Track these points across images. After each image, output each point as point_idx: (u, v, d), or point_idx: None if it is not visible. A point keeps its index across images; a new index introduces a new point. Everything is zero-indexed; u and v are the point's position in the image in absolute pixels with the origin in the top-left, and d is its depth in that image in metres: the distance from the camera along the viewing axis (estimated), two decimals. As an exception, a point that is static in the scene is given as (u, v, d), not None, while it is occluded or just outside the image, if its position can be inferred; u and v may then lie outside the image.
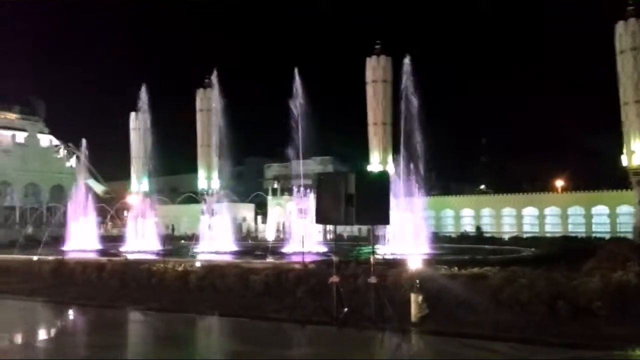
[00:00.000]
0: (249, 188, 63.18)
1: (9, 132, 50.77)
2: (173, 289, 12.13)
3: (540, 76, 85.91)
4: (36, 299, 12.28)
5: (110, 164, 61.28)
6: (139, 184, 52.55)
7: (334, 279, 8.60)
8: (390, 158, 45.66)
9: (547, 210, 47.73)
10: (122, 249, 25.94)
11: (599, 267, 12.68)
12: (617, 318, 8.51)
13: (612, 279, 9.65)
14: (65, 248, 26.56)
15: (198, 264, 14.94)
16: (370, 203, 8.14)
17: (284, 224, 45.34)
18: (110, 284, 12.99)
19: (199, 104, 49.76)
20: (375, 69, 45.00)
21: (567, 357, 7.19)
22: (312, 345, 7.65)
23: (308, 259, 17.80)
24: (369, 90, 45.07)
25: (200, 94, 49.90)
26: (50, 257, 15.59)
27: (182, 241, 32.93)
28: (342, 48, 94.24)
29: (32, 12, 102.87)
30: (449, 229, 48.46)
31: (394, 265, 13.52)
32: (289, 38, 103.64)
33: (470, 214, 50.37)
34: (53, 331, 9.71)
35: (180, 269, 12.89)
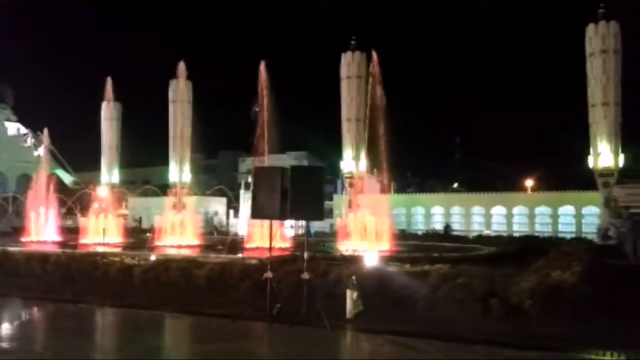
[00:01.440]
0: (222, 181, 62.77)
1: (-25, 120, 49.86)
2: (116, 282, 11.96)
3: (516, 76, 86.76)
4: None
5: (81, 155, 60.39)
6: (109, 175, 51.91)
7: (268, 274, 8.55)
8: (363, 154, 45.77)
9: (515, 210, 48.28)
10: (82, 241, 25.57)
11: (546, 266, 12.82)
12: (547, 317, 8.60)
13: (548, 279, 9.78)
14: (24, 239, 26.06)
15: (152, 258, 14.80)
16: (304, 198, 8.09)
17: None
18: (54, 277, 12.77)
19: (171, 95, 49.20)
20: (350, 64, 44.99)
21: (490, 353, 7.24)
22: (233, 340, 7.57)
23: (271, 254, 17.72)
24: (344, 86, 45.06)
25: (173, 84, 49.34)
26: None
27: (148, 234, 32.51)
28: (320, 43, 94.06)
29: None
30: (420, 226, 48.68)
31: (350, 261, 13.58)
32: (266, 32, 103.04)
33: (441, 212, 50.70)
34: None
35: (130, 262, 12.72)
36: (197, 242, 26.11)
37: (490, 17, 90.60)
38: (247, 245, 24.05)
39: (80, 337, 7.95)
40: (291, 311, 8.53)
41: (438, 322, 8.61)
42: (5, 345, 7.52)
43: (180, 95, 48.10)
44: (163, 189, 47.40)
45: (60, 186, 54.04)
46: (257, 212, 8.49)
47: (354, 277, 9.04)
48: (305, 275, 8.45)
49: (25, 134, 53.36)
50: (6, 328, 8.76)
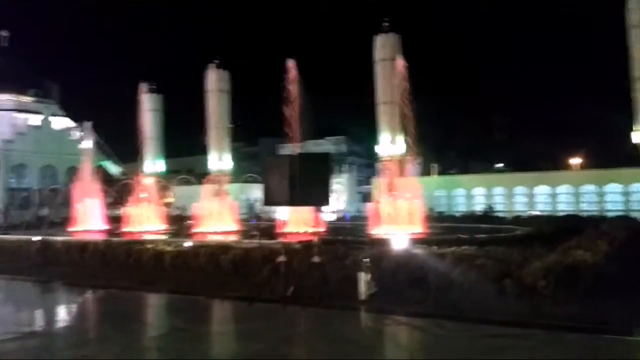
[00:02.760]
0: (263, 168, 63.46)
1: (24, 115, 51.86)
2: (148, 268, 12.50)
3: (558, 54, 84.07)
4: (18, 277, 12.84)
5: (127, 146, 62.12)
6: (154, 165, 53.34)
7: (281, 258, 8.83)
8: (399, 138, 45.52)
9: (560, 189, 47.14)
10: (125, 229, 26.51)
11: (574, 246, 12.65)
12: (562, 296, 8.59)
13: (566, 258, 9.71)
14: (72, 229, 27.21)
15: (187, 244, 15.35)
16: (311, 184, 8.30)
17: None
18: (92, 264, 13.43)
19: (209, 84, 49.95)
20: (383, 47, 44.61)
21: (502, 333, 7.32)
22: (245, 321, 7.94)
23: (302, 239, 18.16)
24: (378, 68, 44.73)
25: (211, 74, 50.04)
26: (40, 238, 16.07)
27: (189, 221, 33.38)
28: (353, 26, 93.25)
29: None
30: (461, 208, 48.07)
31: (376, 244, 13.75)
32: (300, 18, 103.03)
33: (482, 193, 49.99)
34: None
35: (161, 249, 13.24)
36: (234, 228, 26.68)
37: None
38: (283, 231, 24.47)
39: (102, 318, 8.44)
40: (307, 292, 8.82)
41: (451, 303, 8.72)
42: (38, 328, 8.07)
43: (217, 84, 48.85)
44: (204, 177, 48.47)
45: (107, 177, 56.02)
46: (269, 199, 8.77)
47: (367, 260, 9.23)
48: (316, 259, 8.70)
49: (71, 128, 55.27)
50: (43, 312, 9.35)
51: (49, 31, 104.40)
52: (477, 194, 51.11)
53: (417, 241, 15.73)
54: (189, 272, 12.01)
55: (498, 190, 50.60)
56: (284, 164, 8.45)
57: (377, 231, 22.10)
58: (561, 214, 40.29)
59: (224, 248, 12.43)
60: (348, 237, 17.67)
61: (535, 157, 63.91)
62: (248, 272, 11.11)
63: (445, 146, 73.83)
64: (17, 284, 12.54)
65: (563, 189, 47.66)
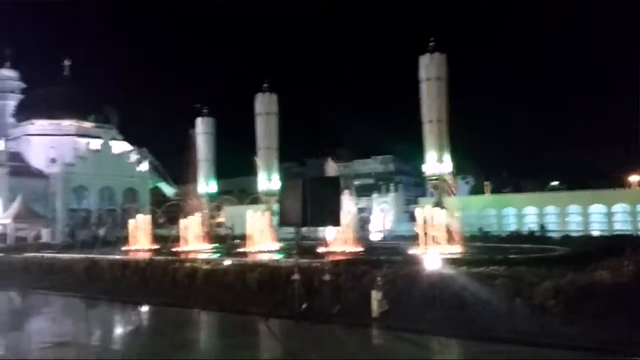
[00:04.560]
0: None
1: (85, 140, 54.74)
2: (182, 285, 13.21)
3: (616, 66, 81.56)
4: (67, 293, 13.85)
5: (181, 167, 64.37)
6: (206, 186, 55.07)
7: (295, 277, 9.30)
8: (446, 156, 45.31)
9: (616, 207, 45.60)
10: (174, 249, 27.62)
11: (604, 267, 12.55)
12: (571, 316, 8.66)
13: (581, 278, 9.74)
14: (125, 248, 28.59)
15: (227, 263, 16.08)
16: (322, 206, 8.78)
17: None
18: (132, 281, 14.29)
19: (258, 107, 51.36)
20: (428, 66, 44.73)
21: (493, 350, 7.52)
22: (256, 335, 8.47)
23: (338, 258, 18.67)
24: (423, 88, 44.83)
25: (259, 98, 51.48)
26: (88, 256, 17.17)
27: (236, 240, 34.31)
28: (399, 47, 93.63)
29: (99, 26, 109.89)
30: (512, 227, 47.18)
31: (408, 264, 14.03)
32: (346, 40, 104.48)
33: (534, 212, 48.91)
34: (47, 317, 11.05)
35: (194, 267, 13.96)
36: (276, 246, 27.34)
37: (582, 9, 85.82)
38: (321, 250, 24.94)
39: (127, 330, 9.14)
40: (322, 310, 9.25)
41: (460, 322, 8.92)
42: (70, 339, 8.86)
43: (266, 107, 50.20)
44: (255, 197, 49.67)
45: (162, 198, 58.19)
46: (284, 219, 9.29)
47: (379, 279, 9.58)
48: (327, 277, 9.12)
49: (129, 151, 57.93)
50: (78, 324, 10.16)
51: (106, 59, 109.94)
52: (529, 213, 50.06)
53: (450, 261, 15.87)
54: (219, 289, 12.63)
55: (550, 209, 49.42)
56: (298, 187, 8.97)
57: (415, 251, 22.24)
58: (617, 232, 39.06)
59: (251, 266, 13.01)
60: (382, 257, 17.96)
61: (591, 174, 62.05)
62: (272, 289, 11.62)
63: (500, 165, 72.78)
64: (65, 299, 13.51)
65: (619, 207, 46.11)
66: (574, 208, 47.62)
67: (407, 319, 9.14)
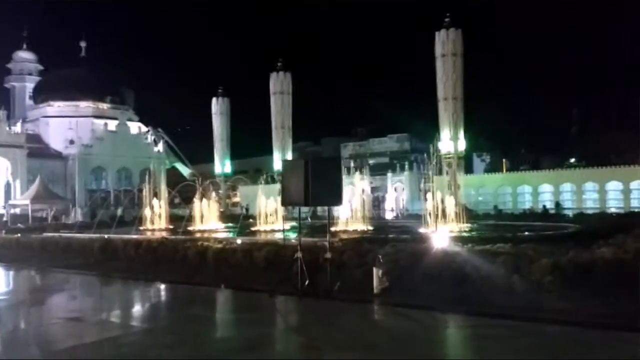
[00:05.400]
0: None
1: (102, 121, 55.46)
2: (193, 263, 13.56)
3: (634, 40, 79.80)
4: (82, 271, 14.33)
5: (198, 148, 65.04)
6: (222, 166, 55.66)
7: (298, 254, 9.56)
8: (461, 134, 45.13)
9: (633, 185, 45.19)
10: (188, 228, 28.09)
11: (611, 244, 12.61)
12: (569, 293, 8.80)
13: (581, 255, 9.85)
14: (141, 227, 29.17)
15: (238, 242, 16.43)
16: (323, 186, 8.99)
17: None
18: (145, 260, 14.68)
19: (272, 87, 51.57)
20: (444, 42, 44.40)
21: (486, 324, 7.74)
22: (261, 310, 8.82)
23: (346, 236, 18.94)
24: (438, 64, 44.58)
25: (273, 77, 51.66)
26: (102, 236, 17.63)
27: (250, 220, 34.73)
28: (415, 22, 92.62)
29: (115, 7, 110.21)
30: (527, 205, 47.07)
31: (414, 241, 14.26)
32: (361, 16, 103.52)
33: (550, 190, 48.65)
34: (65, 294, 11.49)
35: (204, 246, 14.30)
36: (287, 226, 27.66)
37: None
38: (333, 229, 25.21)
39: (138, 306, 9.52)
40: (325, 286, 9.53)
41: (457, 297, 9.12)
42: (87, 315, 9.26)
43: (280, 87, 50.40)
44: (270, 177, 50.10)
45: (179, 178, 58.92)
46: (286, 199, 9.52)
47: (380, 257, 9.80)
48: (328, 255, 9.37)
49: (145, 132, 58.61)
50: (94, 302, 10.59)
51: (122, 40, 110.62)
52: (544, 190, 49.85)
53: (458, 239, 16.04)
54: (229, 267, 12.94)
55: (566, 186, 49.12)
56: (300, 168, 9.17)
57: (424, 229, 22.41)
58: (636, 210, 38.74)
59: (259, 245, 13.30)
60: (389, 235, 18.19)
61: (609, 151, 61.27)
62: (278, 267, 11.90)
63: (518, 142, 72.07)
64: (80, 277, 13.99)
65: (636, 184, 45.73)
66: (590, 185, 47.33)
67: (407, 295, 9.36)
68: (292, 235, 22.52)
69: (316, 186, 8.95)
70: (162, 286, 11.98)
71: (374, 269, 9.59)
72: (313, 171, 8.96)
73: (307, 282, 9.40)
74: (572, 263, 9.33)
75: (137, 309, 10.01)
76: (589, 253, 10.08)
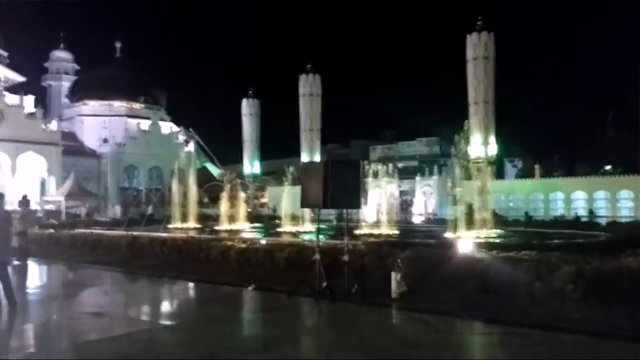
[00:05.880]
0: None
1: (135, 121, 56.44)
2: (216, 262, 13.72)
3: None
4: (109, 267, 14.64)
5: (228, 148, 65.71)
6: (251, 167, 56.05)
7: (316, 257, 9.60)
8: (492, 138, 44.51)
9: (672, 193, 43.96)
10: (215, 228, 28.39)
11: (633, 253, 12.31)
12: (591, 301, 8.63)
13: (605, 264, 9.65)
14: (171, 226, 29.58)
15: (263, 242, 16.57)
16: (343, 189, 9.00)
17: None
18: (170, 257, 14.93)
19: (302, 89, 51.72)
20: (476, 46, 43.86)
21: (501, 332, 7.65)
22: (278, 311, 8.91)
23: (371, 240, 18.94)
24: (469, 68, 44.06)
25: (302, 79, 51.82)
26: (131, 233, 17.97)
27: (277, 220, 34.91)
28: (446, 25, 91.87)
29: (149, 9, 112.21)
30: (559, 212, 46.18)
31: (437, 246, 14.17)
32: (392, 19, 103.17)
33: (582, 197, 47.65)
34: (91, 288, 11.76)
35: (228, 245, 14.45)
36: (312, 227, 27.72)
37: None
38: (358, 232, 25.20)
39: (157, 304, 9.69)
40: (341, 289, 9.56)
41: (477, 303, 9.03)
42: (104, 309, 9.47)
43: (309, 89, 50.54)
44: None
45: (209, 178, 59.61)
46: (305, 201, 9.56)
47: (399, 261, 9.77)
48: (345, 258, 9.38)
49: (177, 132, 59.46)
50: (118, 298, 10.82)
51: (156, 41, 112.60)
52: (577, 197, 48.86)
53: (483, 245, 15.85)
54: (251, 267, 13.05)
55: (600, 194, 48.07)
56: (319, 171, 9.21)
57: (450, 234, 22.19)
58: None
59: (281, 246, 13.38)
60: (414, 240, 18.05)
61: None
62: (299, 268, 11.95)
63: (551, 148, 70.84)
64: (107, 273, 14.29)
65: (676, 193, 44.45)
66: (625, 193, 46.19)
67: (425, 300, 9.30)
68: (319, 237, 22.58)
69: (335, 189, 8.97)
70: (185, 284, 12.15)
71: (392, 273, 9.56)
72: (332, 174, 8.99)
73: (324, 285, 9.42)
74: (596, 272, 9.15)
75: (156, 306, 10.20)
76: (615, 262, 9.85)
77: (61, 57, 71.54)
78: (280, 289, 10.53)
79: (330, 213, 40.79)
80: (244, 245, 14.19)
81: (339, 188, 8.96)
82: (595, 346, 7.02)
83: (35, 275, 15.07)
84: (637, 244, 14.58)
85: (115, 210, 44.31)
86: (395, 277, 9.50)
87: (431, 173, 54.58)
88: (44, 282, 14.12)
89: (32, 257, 16.73)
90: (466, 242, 15.24)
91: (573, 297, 8.78)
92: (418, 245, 13.93)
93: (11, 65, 53.68)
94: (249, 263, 13.22)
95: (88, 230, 23.47)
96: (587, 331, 7.48)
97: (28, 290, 11.74)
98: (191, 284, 12.05)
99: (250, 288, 10.88)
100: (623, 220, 34.84)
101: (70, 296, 11.35)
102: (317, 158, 50.87)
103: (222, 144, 65.09)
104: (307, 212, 29.50)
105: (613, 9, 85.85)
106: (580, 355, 6.60)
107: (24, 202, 18.21)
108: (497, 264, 10.30)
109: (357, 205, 9.55)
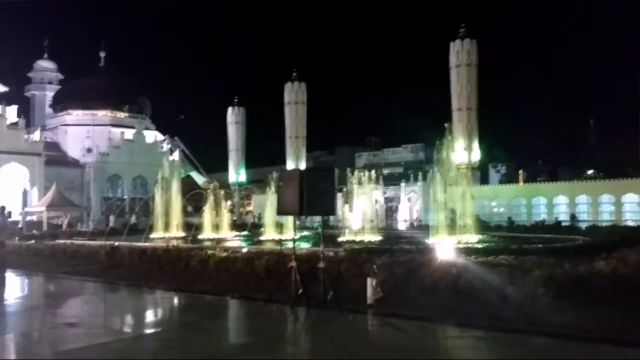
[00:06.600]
0: (340, 177, 64.67)
1: (119, 130, 56.21)
2: (195, 271, 13.72)
3: None
4: (87, 278, 14.55)
5: (213, 157, 65.60)
6: (236, 175, 56.01)
7: (292, 263, 9.65)
8: (475, 144, 44.88)
9: (651, 197, 44.60)
10: (200, 236, 28.32)
11: (615, 257, 12.49)
12: (560, 306, 8.76)
13: (577, 268, 9.80)
14: (153, 235, 29.43)
15: (244, 250, 16.59)
16: (318, 196, 9.09)
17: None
18: (149, 267, 14.89)
19: (287, 97, 51.88)
20: (459, 53, 44.38)
21: (467, 335, 7.75)
22: (253, 318, 8.94)
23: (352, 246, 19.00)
24: (453, 75, 44.55)
25: (288, 87, 51.99)
26: (109, 243, 17.90)
27: (261, 229, 34.86)
28: (429, 33, 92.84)
29: (135, 19, 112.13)
30: (542, 217, 46.62)
31: (420, 253, 14.27)
32: (376, 27, 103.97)
33: (565, 202, 48.17)
34: (63, 299, 11.69)
35: (207, 254, 14.44)
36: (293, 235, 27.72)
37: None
38: (341, 239, 25.27)
39: (133, 313, 9.68)
40: (318, 296, 9.60)
41: (452, 308, 9.13)
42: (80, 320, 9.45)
43: (294, 97, 50.72)
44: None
45: (194, 187, 59.45)
46: (282, 209, 9.62)
47: (374, 267, 9.85)
48: (321, 264, 9.45)
49: (161, 141, 59.27)
50: (93, 308, 10.78)
51: (140, 50, 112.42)
52: (560, 202, 49.42)
53: (462, 250, 15.99)
54: (230, 275, 13.06)
55: (582, 198, 48.64)
56: (295, 178, 9.28)
57: (432, 240, 22.32)
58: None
59: (260, 254, 13.42)
60: (394, 246, 18.15)
61: (626, 163, 60.50)
62: (277, 276, 11.98)
63: (535, 153, 71.47)
64: (84, 284, 14.19)
65: (655, 197, 45.14)
66: (606, 197, 46.78)
67: (401, 305, 9.39)
68: (302, 245, 22.67)
69: (310, 196, 9.04)
70: (163, 294, 12.12)
71: (368, 279, 9.63)
72: (308, 181, 9.06)
73: (300, 291, 9.47)
74: (566, 276, 9.30)
75: (132, 316, 10.17)
76: (586, 266, 10.02)
77: (45, 66, 71.10)
78: (259, 297, 10.54)
79: (315, 220, 40.90)
80: (223, 254, 14.21)
81: (314, 195, 9.04)
82: (565, 348, 7.13)
83: (13, 286, 14.95)
84: (613, 248, 14.86)
85: (91, 222, 44.02)
86: (371, 283, 9.56)
87: (416, 179, 54.89)
88: (22, 293, 14.00)
89: (11, 268, 16.59)
90: (446, 248, 15.38)
91: (544, 300, 8.92)
92: (397, 252, 14.05)
93: (-7, 76, 53.28)
94: (229, 272, 13.23)
95: (68, 241, 23.33)
96: (557, 334, 7.59)
97: (5, 302, 11.67)
98: (170, 294, 12.03)
99: (229, 297, 10.89)
100: (603, 224, 35.28)
101: (47, 306, 11.29)
102: (303, 165, 51.02)
103: (207, 153, 64.99)
104: (290, 220, 29.62)
105: (595, 16, 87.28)
106: (549, 357, 6.70)
107: (1, 213, 18.07)
108: (473, 269, 10.43)
109: (332, 212, 9.65)
